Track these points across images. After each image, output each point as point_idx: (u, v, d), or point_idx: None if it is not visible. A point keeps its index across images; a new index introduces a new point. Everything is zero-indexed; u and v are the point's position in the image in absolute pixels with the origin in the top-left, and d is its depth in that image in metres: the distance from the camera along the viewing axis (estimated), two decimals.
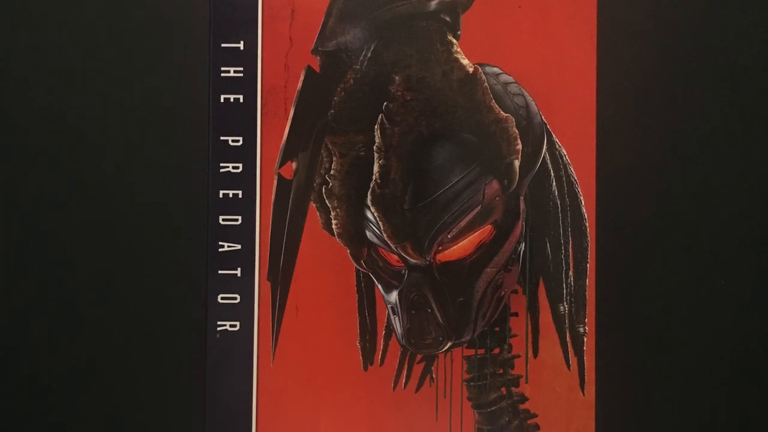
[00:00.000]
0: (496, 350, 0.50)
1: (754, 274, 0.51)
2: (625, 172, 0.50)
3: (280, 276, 0.50)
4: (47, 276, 0.51)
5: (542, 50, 0.50)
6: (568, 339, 0.50)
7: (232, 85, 0.50)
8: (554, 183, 0.50)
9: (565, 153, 0.50)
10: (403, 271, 0.50)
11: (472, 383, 0.50)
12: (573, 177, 0.50)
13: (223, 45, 0.50)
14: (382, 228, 0.49)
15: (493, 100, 0.49)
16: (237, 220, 0.50)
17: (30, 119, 0.51)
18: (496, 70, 0.50)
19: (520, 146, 0.49)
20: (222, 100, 0.50)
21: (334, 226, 0.50)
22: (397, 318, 0.50)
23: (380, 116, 0.49)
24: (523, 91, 0.50)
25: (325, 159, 0.50)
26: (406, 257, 0.49)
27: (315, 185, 0.50)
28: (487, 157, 0.49)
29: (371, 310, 0.50)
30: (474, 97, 0.49)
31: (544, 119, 0.50)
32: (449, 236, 0.49)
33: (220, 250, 0.50)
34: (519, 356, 0.50)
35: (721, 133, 0.51)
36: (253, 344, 0.50)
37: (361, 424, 0.50)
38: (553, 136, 0.50)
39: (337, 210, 0.50)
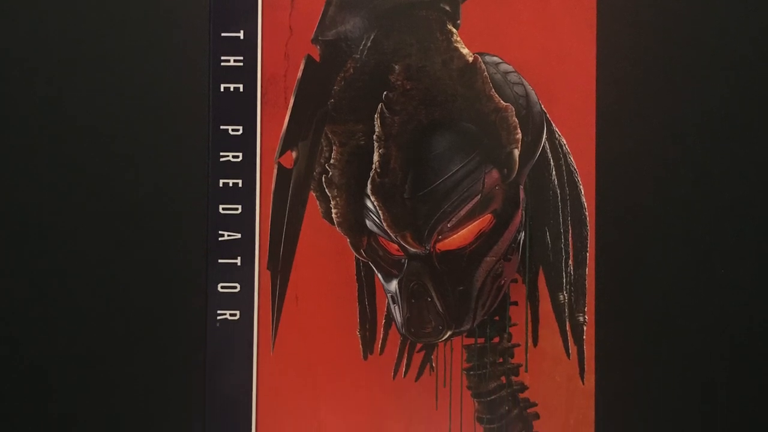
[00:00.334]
0: (496, 339, 0.50)
1: (754, 263, 0.51)
2: (624, 161, 0.50)
3: (280, 265, 0.50)
4: (47, 267, 0.51)
5: (542, 39, 0.50)
6: (567, 328, 0.50)
7: (232, 74, 0.50)
8: (554, 172, 0.50)
9: (565, 142, 0.50)
10: (403, 260, 0.50)
11: (471, 372, 0.50)
12: (573, 166, 0.50)
13: (223, 34, 0.50)
14: (381, 217, 0.49)
15: (493, 90, 0.49)
16: (237, 209, 0.50)
17: (28, 111, 0.51)
18: (495, 59, 0.50)
19: (519, 135, 0.49)
20: (222, 90, 0.50)
21: (333, 215, 0.50)
22: (396, 307, 0.50)
23: (380, 105, 0.49)
24: (523, 80, 0.50)
25: (324, 148, 0.50)
26: (406, 246, 0.49)
27: (315, 174, 0.50)
28: (487, 146, 0.49)
29: (371, 299, 0.50)
30: (474, 86, 0.49)
31: (543, 108, 0.50)
32: (449, 225, 0.49)
33: (220, 239, 0.50)
34: (519, 345, 0.50)
35: (720, 121, 0.51)
36: (253, 333, 0.50)
37: (361, 412, 0.50)
38: (553, 125, 0.50)
39: (337, 199, 0.50)
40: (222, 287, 0.50)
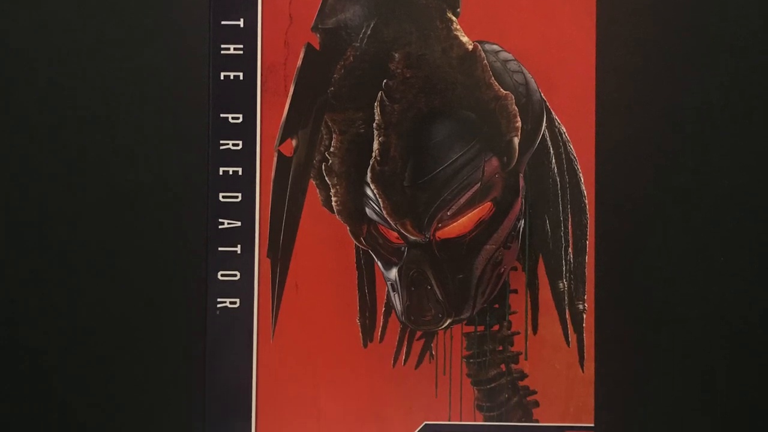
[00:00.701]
0: (496, 327, 0.50)
1: (754, 251, 0.51)
2: (624, 149, 0.50)
3: (280, 253, 0.50)
4: (46, 256, 0.51)
5: (542, 27, 0.50)
6: (567, 316, 0.50)
7: (231, 62, 0.50)
8: (554, 160, 0.50)
9: (565, 130, 0.50)
10: (403, 248, 0.50)
11: (471, 360, 0.50)
12: (572, 154, 0.50)
13: (222, 22, 0.50)
14: (381, 205, 0.49)
15: (493, 78, 0.49)
16: (237, 197, 0.50)
17: (28, 100, 0.51)
18: (495, 47, 0.50)
19: (519, 123, 0.50)
20: (222, 78, 0.50)
21: (333, 204, 0.50)
22: (396, 295, 0.50)
23: (380, 93, 0.49)
24: (523, 68, 0.50)
25: (324, 136, 0.50)
26: (406, 234, 0.49)
27: (315, 162, 0.50)
28: (487, 134, 0.49)
29: (371, 287, 0.50)
30: (473, 74, 0.49)
31: (543, 96, 0.50)
32: (449, 213, 0.49)
33: (219, 227, 0.50)
34: (518, 333, 0.50)
35: (720, 110, 0.51)
36: (253, 321, 0.50)
37: (361, 400, 0.50)
38: (553, 113, 0.50)
39: (337, 187, 0.50)
40: (222, 275, 0.50)
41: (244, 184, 0.50)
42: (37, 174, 0.51)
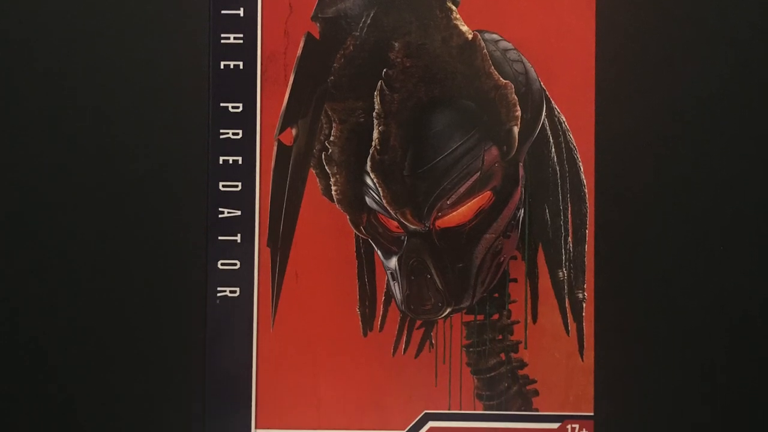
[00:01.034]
0: (496, 316, 0.50)
1: (753, 241, 0.51)
2: (624, 138, 0.51)
3: (280, 242, 0.50)
4: (46, 243, 0.51)
5: (541, 16, 0.50)
6: (567, 305, 0.50)
7: (232, 51, 0.50)
8: (553, 149, 0.50)
9: (564, 119, 0.50)
10: (403, 237, 0.50)
11: (471, 349, 0.50)
12: (572, 143, 0.50)
13: (223, 11, 0.50)
14: (381, 194, 0.49)
15: (492, 67, 0.49)
16: (237, 186, 0.50)
17: (28, 90, 0.51)
18: (495, 36, 0.50)
19: (519, 112, 0.50)
20: (222, 67, 0.50)
21: (333, 193, 0.50)
22: (396, 284, 0.50)
23: (380, 83, 0.49)
24: (522, 57, 0.50)
25: (324, 125, 0.50)
26: (406, 223, 0.50)
27: (315, 151, 0.50)
28: (487, 123, 0.49)
29: (371, 276, 0.50)
30: (473, 63, 0.49)
31: (543, 86, 0.50)
32: (448, 202, 0.49)
33: (220, 216, 0.50)
34: (518, 322, 0.50)
35: (720, 99, 0.51)
36: (253, 310, 0.50)
37: (361, 389, 0.50)
38: (552, 102, 0.50)
39: (337, 176, 0.50)
40: (222, 264, 0.50)
41: (244, 174, 0.50)
42: (37, 165, 0.51)
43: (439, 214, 0.49)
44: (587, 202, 0.50)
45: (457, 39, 0.49)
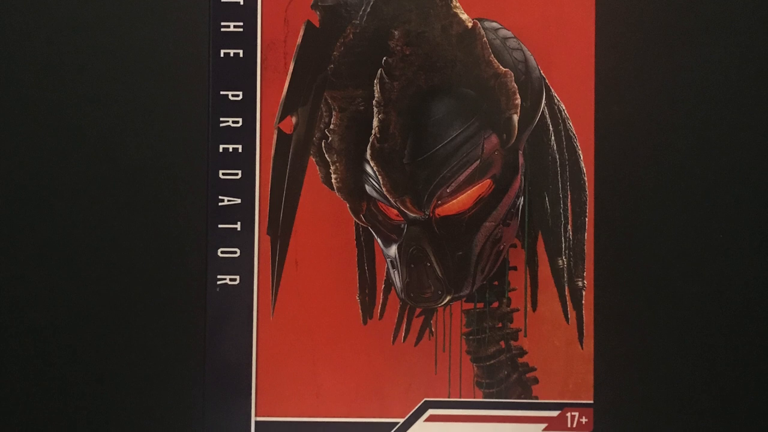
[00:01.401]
0: (495, 304, 0.51)
1: (752, 228, 0.51)
2: (623, 127, 0.51)
3: (280, 230, 0.50)
4: (47, 231, 0.51)
5: (541, 5, 0.50)
6: (566, 293, 0.50)
7: (231, 39, 0.50)
8: (553, 137, 0.50)
9: (564, 107, 0.50)
10: (403, 225, 0.50)
11: (471, 337, 0.50)
12: (572, 131, 0.50)
13: (223, 0, 0.50)
14: (381, 182, 0.49)
15: (492, 55, 0.49)
16: (237, 174, 0.50)
17: (27, 77, 0.51)
18: (494, 24, 0.50)
19: (518, 101, 0.50)
20: (222, 55, 0.50)
21: (333, 181, 0.50)
22: (396, 272, 0.50)
23: (379, 71, 0.49)
24: (522, 45, 0.50)
25: (324, 113, 0.50)
26: (405, 211, 0.50)
27: (314, 140, 0.50)
28: (486, 111, 0.49)
29: (370, 264, 0.50)
30: (473, 51, 0.49)
31: (542, 74, 0.50)
32: (448, 190, 0.49)
33: (220, 204, 0.50)
34: (518, 310, 0.50)
35: (720, 87, 0.51)
36: (253, 298, 0.50)
37: (361, 377, 0.50)
38: (552, 90, 0.50)
39: (337, 164, 0.50)
40: (222, 252, 0.50)
41: (244, 162, 0.50)
42: (36, 155, 0.51)
43: (439, 202, 0.49)
44: (587, 190, 0.50)
45: (456, 27, 0.49)
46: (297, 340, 0.50)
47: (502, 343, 0.50)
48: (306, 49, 0.50)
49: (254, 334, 0.50)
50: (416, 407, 0.50)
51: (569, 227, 0.50)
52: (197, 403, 0.50)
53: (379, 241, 0.50)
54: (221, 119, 0.50)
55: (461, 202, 0.50)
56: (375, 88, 0.49)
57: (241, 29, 0.50)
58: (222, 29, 0.50)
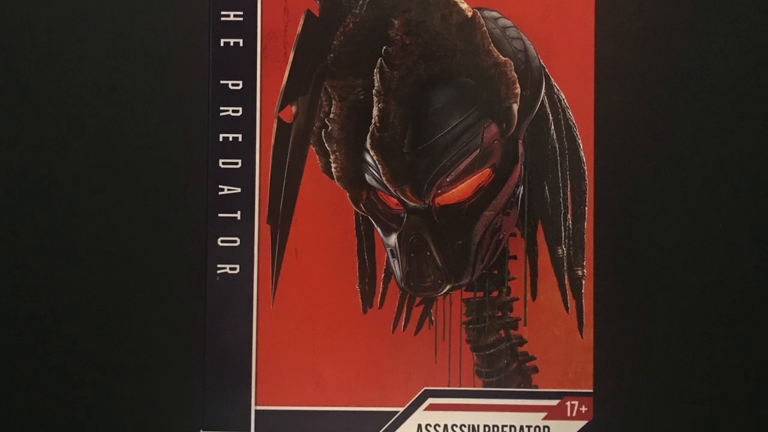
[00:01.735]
0: (495, 293, 0.51)
1: (752, 216, 0.51)
2: (623, 116, 0.51)
3: (280, 219, 0.50)
4: (47, 221, 0.51)
5: None
6: (566, 282, 0.50)
7: (231, 29, 0.50)
8: (553, 126, 0.50)
9: (564, 97, 0.50)
10: (402, 214, 0.50)
11: (471, 326, 0.51)
12: (571, 120, 0.50)
13: None
14: (381, 171, 0.49)
15: (492, 44, 0.49)
16: (237, 163, 0.50)
17: (28, 65, 0.51)
18: (494, 14, 0.50)
19: (518, 90, 0.50)
20: (222, 44, 0.50)
21: (333, 170, 0.50)
22: (396, 261, 0.50)
23: (379, 60, 0.49)
24: (522, 35, 0.50)
25: (324, 103, 0.50)
26: (405, 200, 0.50)
27: (314, 129, 0.50)
28: (486, 100, 0.49)
29: (370, 253, 0.50)
30: (473, 41, 0.49)
31: (542, 63, 0.50)
32: (448, 179, 0.49)
33: (220, 193, 0.50)
34: (517, 299, 0.50)
35: (719, 75, 0.51)
36: (253, 287, 0.50)
37: (360, 366, 0.50)
38: (552, 79, 0.50)
39: (337, 153, 0.50)
40: (222, 241, 0.50)
41: (244, 151, 0.50)
42: (36, 145, 0.51)
43: (439, 191, 0.50)
44: (587, 179, 0.50)
45: (456, 16, 0.49)
46: (297, 329, 0.50)
47: (502, 332, 0.51)
48: (306, 38, 0.50)
49: (254, 323, 0.50)
50: (416, 396, 0.50)
51: (569, 216, 0.50)
52: (197, 392, 0.50)
53: (378, 230, 0.50)
54: (221, 108, 0.50)
55: (461, 191, 0.50)
56: (375, 77, 0.49)
57: (241, 18, 0.50)
58: (222, 18, 0.50)
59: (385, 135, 0.49)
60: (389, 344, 0.50)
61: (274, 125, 0.50)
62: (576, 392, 0.50)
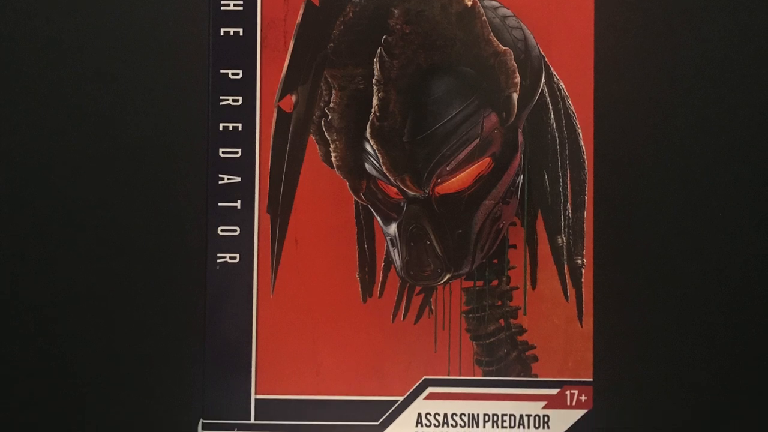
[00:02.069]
0: (495, 282, 0.51)
1: (752, 205, 0.51)
2: (622, 105, 0.51)
3: (280, 208, 0.50)
4: (47, 209, 0.51)
5: None
6: (566, 271, 0.50)
7: (231, 18, 0.50)
8: (552, 116, 0.50)
9: (563, 86, 0.50)
10: (402, 203, 0.50)
11: (470, 315, 0.51)
12: (571, 110, 0.50)
13: None
14: (381, 160, 0.49)
15: (492, 34, 0.49)
16: (237, 152, 0.50)
17: (29, 54, 0.51)
18: (494, 3, 0.50)
19: (518, 79, 0.50)
20: (222, 34, 0.50)
21: (333, 159, 0.50)
22: (396, 250, 0.50)
23: (379, 49, 0.49)
24: (522, 24, 0.50)
25: (324, 92, 0.50)
26: (405, 190, 0.50)
27: (314, 118, 0.50)
28: (486, 89, 0.50)
29: (370, 243, 0.50)
30: (472, 30, 0.49)
31: (542, 52, 0.50)
32: (448, 169, 0.49)
33: (220, 182, 0.50)
34: (517, 288, 0.51)
35: (719, 65, 0.51)
36: (253, 276, 0.50)
37: (360, 355, 0.50)
38: (551, 69, 0.50)
39: (336, 143, 0.50)
40: (222, 230, 0.50)
41: (244, 140, 0.50)
42: (38, 133, 0.51)
43: (439, 180, 0.50)
44: (586, 168, 0.50)
45: (456, 6, 0.49)
46: (297, 319, 0.50)
47: (502, 321, 0.51)
48: (306, 27, 0.50)
49: (254, 312, 0.50)
50: (416, 385, 0.50)
51: (569, 205, 0.50)
52: (197, 381, 0.50)
53: (378, 219, 0.50)
54: (221, 98, 0.50)
55: (461, 180, 0.50)
56: (375, 66, 0.49)
57: (241, 8, 0.50)
58: (222, 8, 0.50)
59: (385, 124, 0.49)
60: (389, 333, 0.50)
61: (274, 114, 0.50)
62: (576, 381, 0.50)
